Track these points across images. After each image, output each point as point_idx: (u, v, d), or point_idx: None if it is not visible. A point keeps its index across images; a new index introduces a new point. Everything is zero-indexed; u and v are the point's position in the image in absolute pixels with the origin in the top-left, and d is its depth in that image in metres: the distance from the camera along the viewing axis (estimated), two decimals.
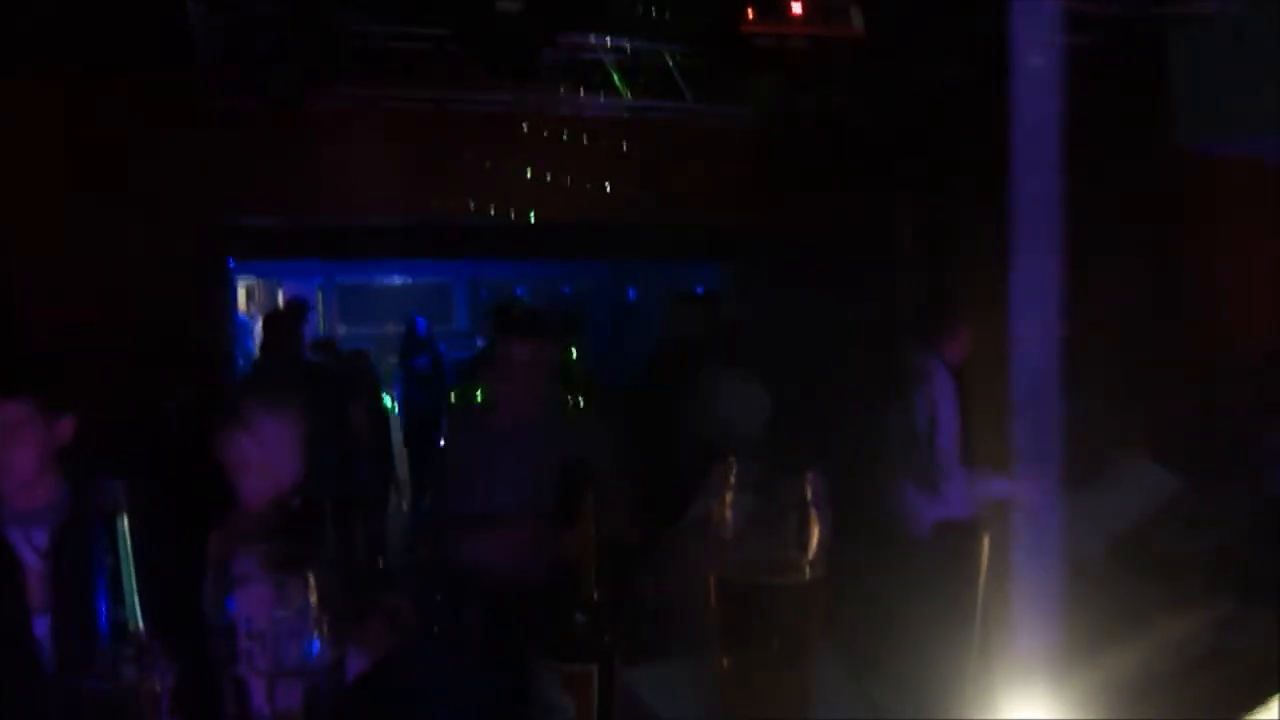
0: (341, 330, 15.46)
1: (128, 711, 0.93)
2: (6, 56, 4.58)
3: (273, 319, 5.90)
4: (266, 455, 2.28)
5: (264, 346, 5.69)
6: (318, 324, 12.51)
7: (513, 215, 6.35)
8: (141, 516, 1.01)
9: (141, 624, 0.93)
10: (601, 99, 5.77)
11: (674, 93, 5.63)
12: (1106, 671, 1.25)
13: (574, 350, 5.88)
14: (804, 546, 1.06)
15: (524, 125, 5.97)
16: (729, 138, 6.38)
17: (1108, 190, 4.48)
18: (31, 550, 2.07)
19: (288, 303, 6.45)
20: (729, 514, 1.07)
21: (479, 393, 4.73)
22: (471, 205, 6.18)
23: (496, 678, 2.24)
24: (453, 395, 6.11)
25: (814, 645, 1.08)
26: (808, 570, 1.06)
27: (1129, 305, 4.68)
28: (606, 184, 6.28)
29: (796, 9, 4.21)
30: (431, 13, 4.69)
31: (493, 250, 8.60)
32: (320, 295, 15.79)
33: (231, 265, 7.07)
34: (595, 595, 1.06)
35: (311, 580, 0.99)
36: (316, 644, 0.99)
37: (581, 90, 5.66)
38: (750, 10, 4.25)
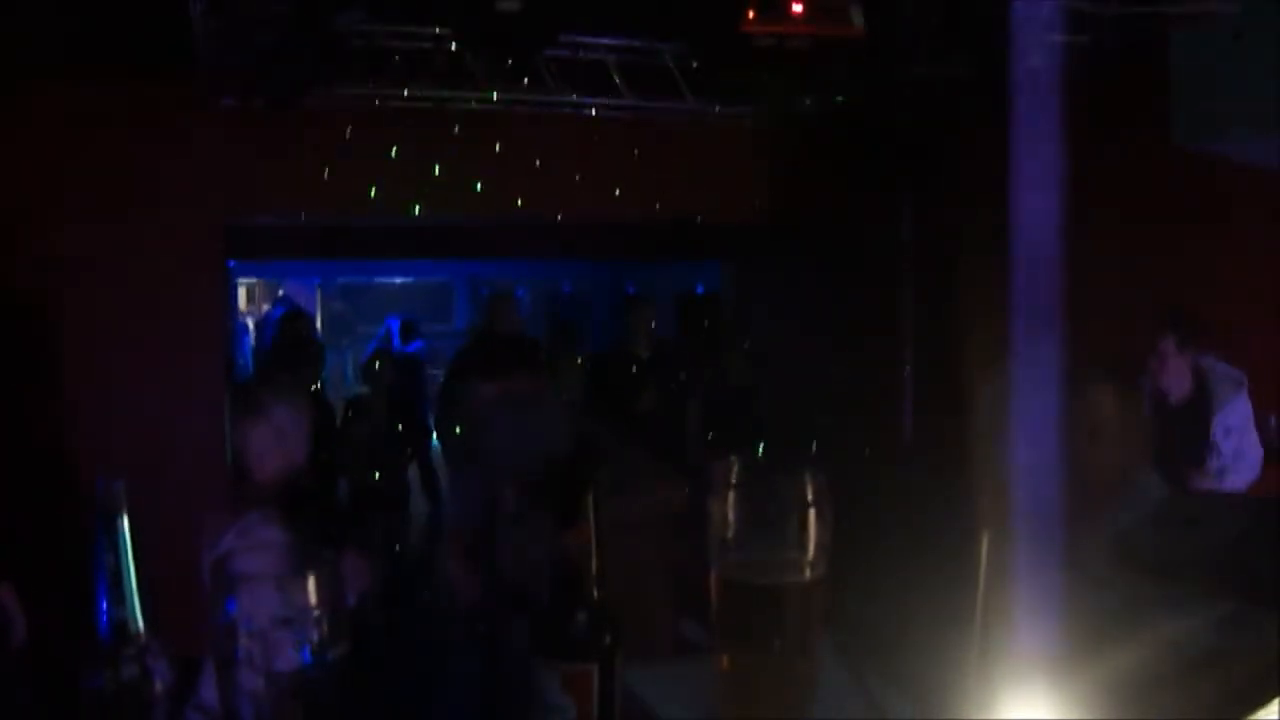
0: (341, 330, 15.41)
1: (128, 711, 0.92)
2: (6, 56, 4.57)
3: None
4: (284, 442, 2.59)
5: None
6: (316, 325, 12.49)
7: (513, 215, 6.35)
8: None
9: (141, 624, 0.93)
10: (601, 99, 5.76)
11: (674, 93, 5.62)
12: (1106, 671, 1.25)
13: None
14: (804, 546, 1.06)
15: (524, 125, 5.96)
16: (729, 137, 6.37)
17: (1108, 189, 4.48)
18: None
19: (288, 318, 6.52)
20: (729, 514, 1.07)
21: None
22: (471, 205, 6.17)
23: (496, 677, 2.26)
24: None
25: (814, 645, 1.08)
26: (808, 570, 1.06)
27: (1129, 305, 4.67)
28: (607, 184, 6.27)
29: (797, 9, 4.20)
30: (431, 13, 4.68)
31: (493, 250, 8.60)
32: (320, 295, 15.76)
33: (231, 265, 7.07)
34: (595, 595, 1.06)
35: (312, 579, 0.99)
36: (317, 643, 0.99)
37: (581, 90, 5.65)
38: (750, 10, 4.24)
